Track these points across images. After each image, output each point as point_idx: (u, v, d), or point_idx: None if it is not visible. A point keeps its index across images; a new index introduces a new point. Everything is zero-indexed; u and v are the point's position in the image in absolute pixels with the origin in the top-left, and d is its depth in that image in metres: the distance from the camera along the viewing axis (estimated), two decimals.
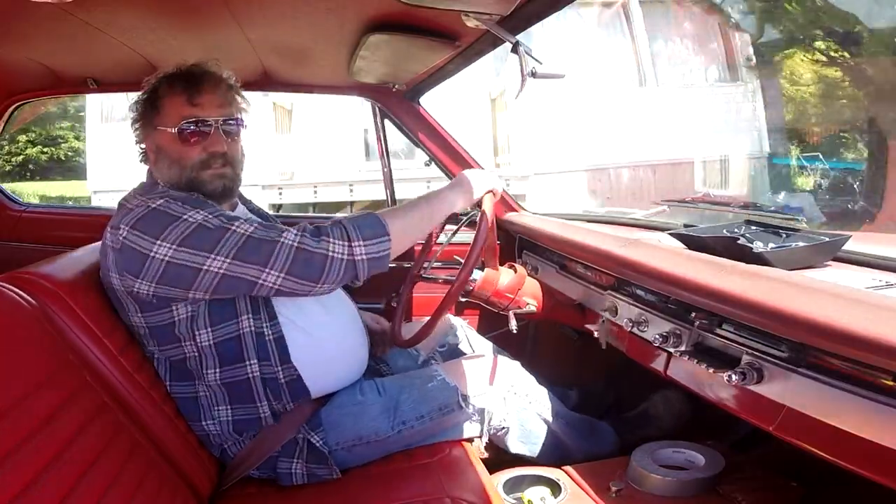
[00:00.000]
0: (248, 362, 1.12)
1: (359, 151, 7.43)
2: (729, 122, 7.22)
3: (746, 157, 7.21)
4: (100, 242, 1.21)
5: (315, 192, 6.98)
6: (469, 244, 1.21)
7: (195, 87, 1.15)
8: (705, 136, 6.98)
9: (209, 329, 1.10)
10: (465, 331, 1.56)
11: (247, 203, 1.37)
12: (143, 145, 1.21)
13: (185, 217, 1.03)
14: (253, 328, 1.12)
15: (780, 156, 7.09)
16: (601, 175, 7.13)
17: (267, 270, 1.02)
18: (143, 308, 1.08)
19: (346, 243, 1.04)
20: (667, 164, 7.03)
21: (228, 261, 1.02)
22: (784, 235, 1.09)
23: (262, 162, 6.37)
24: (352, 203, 7.01)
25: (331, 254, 1.03)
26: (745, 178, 7.24)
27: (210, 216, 1.04)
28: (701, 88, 7.29)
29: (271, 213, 1.53)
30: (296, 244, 1.02)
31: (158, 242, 1.02)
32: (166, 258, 1.02)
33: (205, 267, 1.02)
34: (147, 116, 1.18)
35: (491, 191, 1.25)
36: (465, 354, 1.49)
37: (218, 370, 1.11)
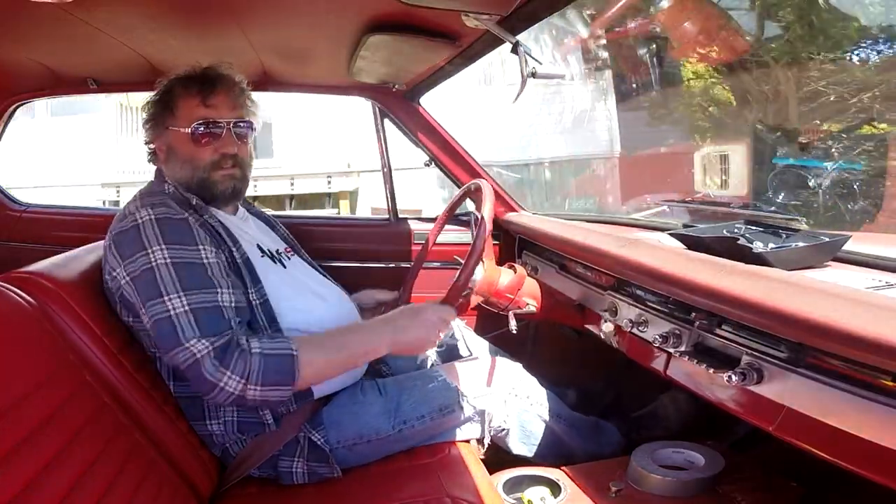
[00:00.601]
0: None
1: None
2: (580, 121, 7.17)
3: (595, 156, 7.32)
4: (100, 242, 1.21)
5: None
6: (468, 244, 1.21)
7: (210, 90, 1.18)
8: (553, 136, 7.02)
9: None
10: (462, 331, 1.56)
11: (248, 206, 1.38)
12: (152, 145, 1.25)
13: (147, 252, 1.05)
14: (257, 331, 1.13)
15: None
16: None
17: (169, 353, 1.03)
18: (132, 311, 1.11)
19: (243, 382, 1.01)
20: (519, 165, 7.20)
21: (150, 321, 1.04)
22: (784, 235, 1.09)
23: (102, 160, 6.49)
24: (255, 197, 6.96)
25: (221, 385, 1.01)
26: (593, 177, 7.38)
27: (169, 261, 1.05)
28: (550, 87, 7.09)
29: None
30: (198, 357, 1.01)
31: (121, 267, 1.07)
32: (123, 282, 1.08)
33: (143, 308, 1.05)
34: (160, 117, 1.21)
35: (431, 341, 1.16)
36: (461, 355, 1.49)
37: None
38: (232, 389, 1.01)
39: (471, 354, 1.50)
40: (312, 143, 7.40)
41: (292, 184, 7.01)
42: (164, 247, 1.05)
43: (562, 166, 7.42)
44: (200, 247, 1.09)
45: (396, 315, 1.15)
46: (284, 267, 1.27)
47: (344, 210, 7.42)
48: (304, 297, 1.24)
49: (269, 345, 1.05)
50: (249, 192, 1.33)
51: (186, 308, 1.03)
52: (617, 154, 7.20)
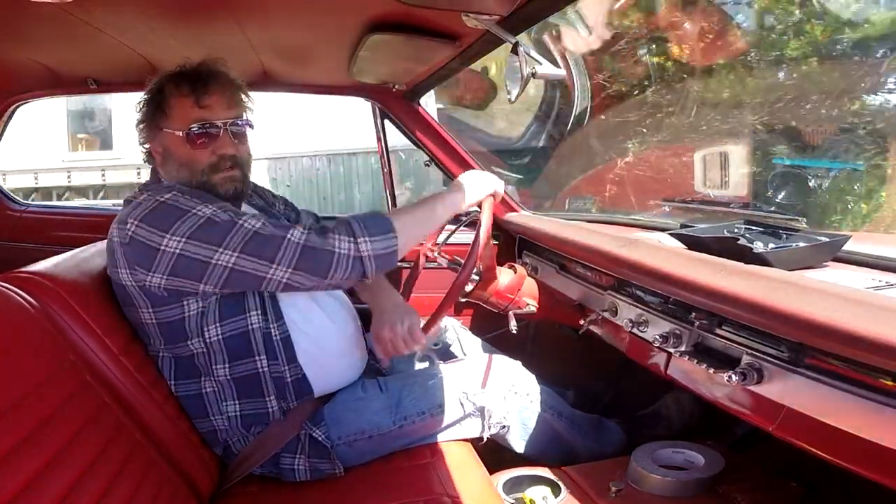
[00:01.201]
0: (257, 357, 1.13)
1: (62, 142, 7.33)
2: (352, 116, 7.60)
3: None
4: (100, 242, 1.21)
5: (35, 178, 6.96)
6: (468, 244, 1.21)
7: (203, 89, 1.13)
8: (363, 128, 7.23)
9: (218, 324, 1.10)
10: (457, 331, 1.57)
11: (254, 201, 1.38)
12: (147, 146, 1.21)
13: (194, 210, 1.03)
14: (261, 325, 1.13)
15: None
16: (281, 164, 7.49)
17: (275, 266, 1.02)
18: (154, 303, 1.08)
19: (352, 239, 1.04)
20: (344, 154, 7.55)
21: (237, 255, 1.02)
22: (784, 235, 1.09)
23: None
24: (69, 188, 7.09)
25: (337, 250, 1.03)
26: (410, 170, 7.70)
27: (219, 210, 1.04)
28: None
29: None
30: (302, 241, 1.02)
31: (168, 236, 1.02)
32: (177, 251, 1.02)
33: (213, 260, 1.02)
34: (153, 118, 1.17)
35: (492, 193, 1.25)
36: (455, 355, 1.50)
37: (227, 365, 1.12)
38: (347, 250, 1.03)
39: (465, 356, 1.51)
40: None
41: (36, 178, 7.03)
42: (207, 205, 1.05)
43: (333, 159, 7.89)
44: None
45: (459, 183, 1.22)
46: None
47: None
48: (306, 300, 1.23)
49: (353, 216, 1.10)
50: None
51: (262, 221, 1.04)
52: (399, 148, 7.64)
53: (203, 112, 1.13)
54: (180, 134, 1.13)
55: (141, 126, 1.20)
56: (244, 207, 1.29)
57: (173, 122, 1.14)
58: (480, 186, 1.24)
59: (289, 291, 1.09)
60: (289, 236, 1.02)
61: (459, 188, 1.21)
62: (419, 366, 1.48)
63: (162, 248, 1.02)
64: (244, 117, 1.20)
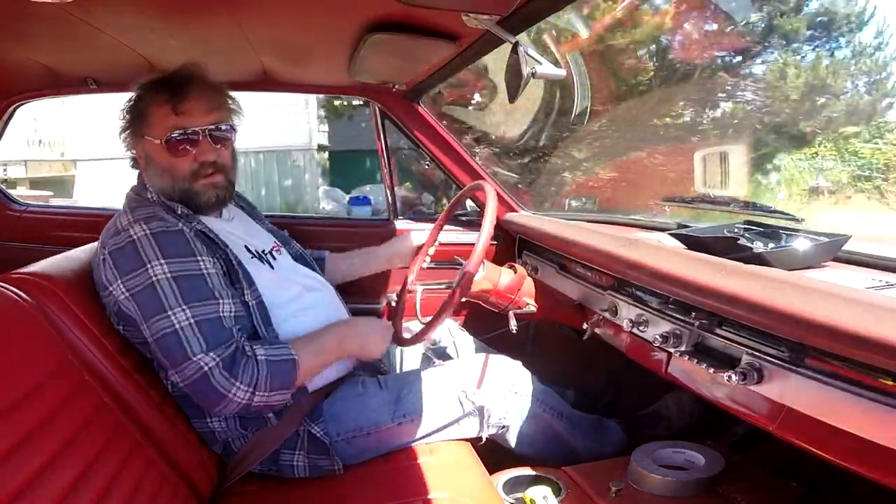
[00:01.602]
0: None
1: None
2: (278, 116, 7.83)
3: (296, 148, 8.38)
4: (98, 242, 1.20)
5: None
6: (469, 244, 1.21)
7: (180, 95, 1.13)
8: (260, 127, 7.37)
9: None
10: (454, 331, 1.57)
11: (241, 203, 1.39)
12: (132, 152, 1.22)
13: (147, 268, 1.05)
14: (255, 331, 1.14)
15: (337, 151, 8.88)
16: None
17: (176, 368, 1.04)
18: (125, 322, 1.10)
19: (251, 390, 1.05)
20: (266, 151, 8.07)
21: (153, 338, 1.05)
22: (784, 235, 1.09)
23: None
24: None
25: (231, 395, 1.04)
26: (292, 168, 8.48)
27: (169, 275, 1.05)
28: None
29: None
30: (206, 370, 1.03)
31: (118, 282, 1.06)
32: (121, 297, 1.07)
33: (145, 324, 1.05)
34: (134, 125, 1.18)
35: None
36: (451, 356, 1.50)
37: None
38: (241, 399, 1.04)
39: (464, 355, 1.51)
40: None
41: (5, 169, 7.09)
42: (163, 261, 1.05)
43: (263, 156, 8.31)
44: (199, 258, 1.09)
45: (350, 323, 1.25)
46: (272, 268, 1.26)
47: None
48: (294, 300, 1.24)
49: (272, 350, 1.07)
50: None
51: (191, 321, 1.03)
52: (315, 147, 8.57)
53: (181, 119, 1.13)
54: (159, 142, 1.13)
55: (124, 134, 1.20)
56: (230, 209, 1.30)
57: (153, 129, 1.15)
58: (373, 339, 1.21)
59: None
60: (198, 359, 1.03)
61: (355, 336, 1.20)
62: (419, 365, 1.48)
63: (112, 288, 1.07)
64: (227, 122, 1.20)
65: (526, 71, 1.01)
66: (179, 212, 1.16)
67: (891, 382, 0.67)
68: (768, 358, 0.84)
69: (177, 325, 1.03)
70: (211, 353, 1.03)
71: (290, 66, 1.64)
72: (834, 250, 1.02)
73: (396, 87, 1.74)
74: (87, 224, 1.96)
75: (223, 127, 1.18)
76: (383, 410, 1.22)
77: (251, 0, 1.12)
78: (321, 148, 8.92)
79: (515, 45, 1.03)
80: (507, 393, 1.29)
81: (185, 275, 1.06)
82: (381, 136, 1.91)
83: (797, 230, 1.10)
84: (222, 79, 1.27)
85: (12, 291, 0.95)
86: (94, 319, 1.05)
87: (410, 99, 1.84)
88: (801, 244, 1.03)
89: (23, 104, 1.91)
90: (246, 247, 1.24)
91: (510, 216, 1.86)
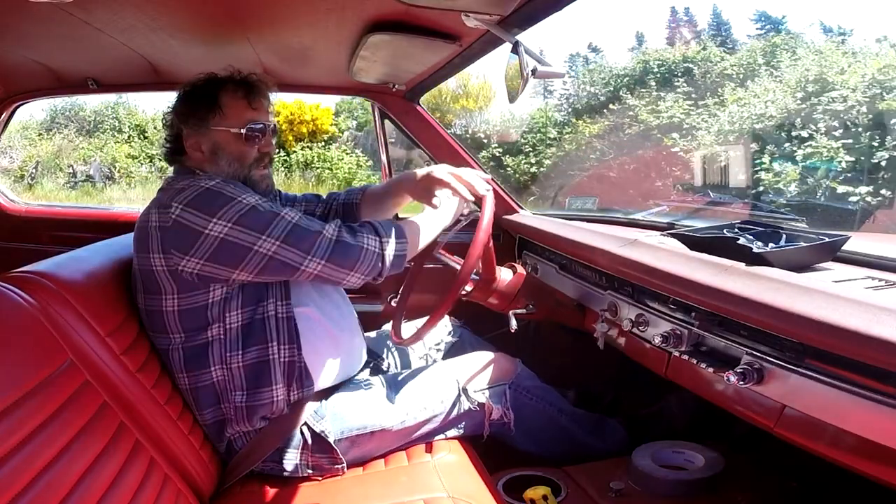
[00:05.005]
0: (269, 344, 1.16)
1: None
2: None
3: None
4: (100, 242, 1.21)
5: None
6: (467, 245, 1.21)
7: (254, 93, 1.24)
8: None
9: (240, 311, 1.14)
10: (459, 330, 1.57)
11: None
12: (190, 141, 1.23)
13: (239, 198, 1.09)
14: (276, 313, 1.17)
15: None
16: None
17: (309, 258, 1.10)
18: (180, 289, 1.11)
19: (378, 238, 1.15)
20: None
21: (278, 244, 1.08)
22: (784, 235, 1.09)
23: None
24: None
25: (366, 247, 1.13)
26: None
27: (261, 200, 1.12)
28: None
29: None
30: (335, 237, 1.12)
31: (214, 220, 1.07)
32: (221, 235, 1.07)
33: (255, 247, 1.08)
34: (203, 116, 1.22)
35: (487, 190, 1.25)
36: (455, 353, 1.50)
37: (241, 352, 1.15)
38: (373, 248, 1.14)
39: (464, 355, 1.50)
40: None
41: None
42: (251, 193, 1.12)
43: None
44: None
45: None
46: None
47: None
48: (315, 293, 1.25)
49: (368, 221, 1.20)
50: None
51: (300, 214, 1.13)
52: None
53: (255, 114, 1.23)
54: (237, 131, 1.21)
55: (189, 122, 1.23)
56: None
57: (229, 120, 1.22)
58: (474, 184, 1.25)
59: (317, 283, 1.18)
60: (324, 231, 1.12)
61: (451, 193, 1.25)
62: (419, 364, 1.48)
63: (206, 231, 1.07)
64: (275, 122, 1.31)
65: (526, 71, 1.02)
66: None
67: (891, 382, 0.67)
68: (768, 358, 0.85)
69: (292, 220, 1.10)
70: (332, 224, 1.14)
71: (290, 66, 1.64)
72: (834, 250, 1.02)
73: (396, 87, 1.74)
74: (88, 224, 1.97)
75: (274, 126, 1.30)
76: (385, 410, 1.22)
77: (251, 0, 1.12)
78: None
79: (515, 45, 1.03)
80: (508, 391, 1.29)
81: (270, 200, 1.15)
82: (382, 136, 1.91)
83: (797, 230, 1.10)
84: None
85: (13, 291, 0.94)
86: (97, 319, 1.05)
87: (410, 99, 1.84)
88: (801, 244, 1.03)
89: (23, 104, 1.91)
90: None
91: (510, 216, 1.86)
